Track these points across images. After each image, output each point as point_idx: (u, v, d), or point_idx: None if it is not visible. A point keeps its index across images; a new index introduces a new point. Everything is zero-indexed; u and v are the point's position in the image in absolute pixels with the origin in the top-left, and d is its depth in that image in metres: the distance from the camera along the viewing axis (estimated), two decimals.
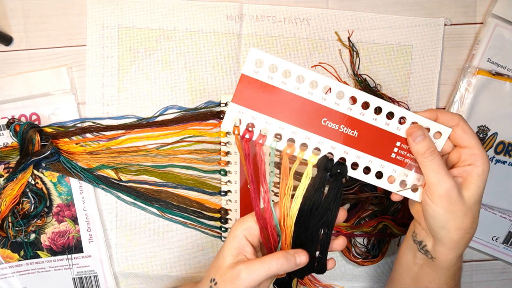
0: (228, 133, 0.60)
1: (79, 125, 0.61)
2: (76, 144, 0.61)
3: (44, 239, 0.62)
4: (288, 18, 0.61)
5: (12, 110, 0.61)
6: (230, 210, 0.61)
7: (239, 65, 0.61)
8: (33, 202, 0.61)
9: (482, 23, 0.62)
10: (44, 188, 0.61)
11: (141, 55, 0.61)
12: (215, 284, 0.43)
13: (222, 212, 0.61)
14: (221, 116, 0.60)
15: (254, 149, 0.43)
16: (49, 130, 0.60)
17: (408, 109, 0.62)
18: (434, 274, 0.46)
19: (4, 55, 0.61)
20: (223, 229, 0.62)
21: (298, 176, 0.43)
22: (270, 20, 0.61)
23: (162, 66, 0.61)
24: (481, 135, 0.61)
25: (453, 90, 0.63)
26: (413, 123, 0.45)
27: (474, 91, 0.60)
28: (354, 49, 0.61)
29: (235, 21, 0.61)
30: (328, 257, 0.45)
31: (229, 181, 0.61)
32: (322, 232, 0.43)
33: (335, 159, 0.44)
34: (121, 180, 0.62)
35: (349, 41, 0.61)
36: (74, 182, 0.61)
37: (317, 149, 0.44)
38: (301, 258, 0.42)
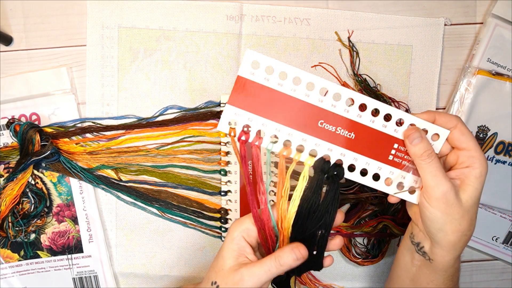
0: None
1: (79, 125, 0.61)
2: (76, 144, 0.61)
3: (44, 239, 0.62)
4: (288, 18, 0.61)
5: (12, 110, 0.61)
6: (230, 210, 0.61)
7: (239, 65, 0.61)
8: (33, 202, 0.61)
9: (482, 23, 0.62)
10: (44, 188, 0.61)
11: (141, 55, 0.61)
12: (217, 287, 0.43)
13: (222, 212, 0.61)
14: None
15: (251, 151, 0.43)
16: (49, 130, 0.60)
17: (408, 109, 0.62)
18: (432, 275, 0.46)
19: (4, 55, 0.61)
20: (223, 229, 0.62)
21: (296, 175, 0.43)
22: (270, 20, 0.61)
23: (162, 66, 0.61)
24: (481, 135, 0.61)
25: (453, 90, 0.63)
26: (411, 125, 0.45)
27: (474, 91, 0.60)
28: (354, 49, 0.61)
29: (235, 21, 0.61)
30: (325, 255, 0.45)
31: (229, 181, 0.61)
32: (319, 234, 0.43)
33: (332, 161, 0.44)
34: (121, 180, 0.62)
35: (349, 41, 0.61)
36: (74, 182, 0.61)
37: (314, 151, 0.43)
38: (301, 251, 0.42)
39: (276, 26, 0.61)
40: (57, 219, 0.62)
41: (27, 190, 0.60)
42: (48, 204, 0.61)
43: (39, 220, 0.61)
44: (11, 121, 0.60)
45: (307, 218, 0.43)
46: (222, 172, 0.61)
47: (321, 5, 0.61)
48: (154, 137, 0.61)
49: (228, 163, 0.60)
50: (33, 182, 0.61)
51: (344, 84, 0.61)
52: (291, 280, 0.47)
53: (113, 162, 0.61)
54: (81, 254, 0.62)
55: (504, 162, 0.61)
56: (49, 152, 0.58)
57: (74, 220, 0.62)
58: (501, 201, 0.62)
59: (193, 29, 0.61)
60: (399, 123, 0.45)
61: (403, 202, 0.46)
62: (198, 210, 0.62)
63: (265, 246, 0.44)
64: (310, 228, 0.43)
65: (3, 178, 0.60)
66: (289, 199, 0.43)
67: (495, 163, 0.61)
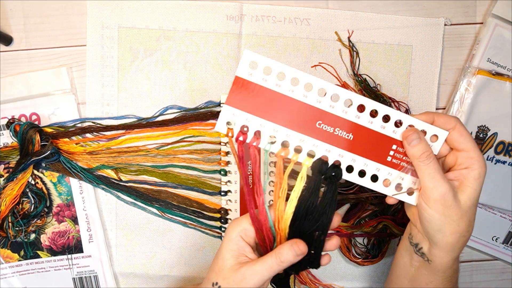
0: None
1: (79, 125, 0.61)
2: (76, 144, 0.61)
3: (44, 239, 0.62)
4: (288, 18, 0.61)
5: (12, 110, 0.61)
6: (230, 210, 0.61)
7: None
8: (33, 202, 0.61)
9: (482, 23, 0.62)
10: (44, 188, 0.61)
11: (141, 55, 0.61)
12: (218, 287, 0.43)
13: (222, 212, 0.61)
14: None
15: (250, 151, 0.43)
16: (49, 130, 0.60)
17: (408, 109, 0.62)
18: (431, 276, 0.46)
19: (4, 55, 0.61)
20: (223, 229, 0.62)
21: (295, 175, 0.43)
22: (270, 20, 0.61)
23: (162, 66, 0.61)
24: (481, 135, 0.61)
25: (453, 90, 0.63)
26: (409, 126, 0.44)
27: (474, 91, 0.60)
28: (354, 49, 0.61)
29: (235, 21, 0.61)
30: (323, 253, 0.45)
31: (229, 181, 0.61)
32: (316, 235, 0.43)
33: (330, 162, 0.44)
34: (121, 180, 0.62)
35: (349, 41, 0.61)
36: (74, 182, 0.61)
37: (312, 152, 0.43)
38: (300, 247, 0.42)
39: (276, 26, 0.61)
40: (57, 219, 0.62)
41: (27, 190, 0.60)
42: (48, 204, 0.61)
43: (39, 220, 0.61)
44: (11, 121, 0.60)
45: (304, 219, 0.43)
46: (222, 172, 0.61)
47: (321, 5, 0.61)
48: (154, 137, 0.61)
49: (228, 163, 0.60)
50: (33, 182, 0.61)
51: (344, 84, 0.61)
52: (290, 279, 0.47)
53: (113, 162, 0.61)
54: (81, 254, 0.62)
55: (504, 162, 0.61)
56: (49, 152, 0.58)
57: (74, 220, 0.62)
58: (501, 201, 0.62)
59: (193, 29, 0.61)
60: (398, 124, 0.44)
61: (402, 202, 0.46)
62: (198, 210, 0.62)
63: (263, 246, 0.44)
64: (307, 229, 0.43)
65: (3, 178, 0.60)
66: (287, 200, 0.43)
67: (495, 163, 0.61)
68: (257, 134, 0.43)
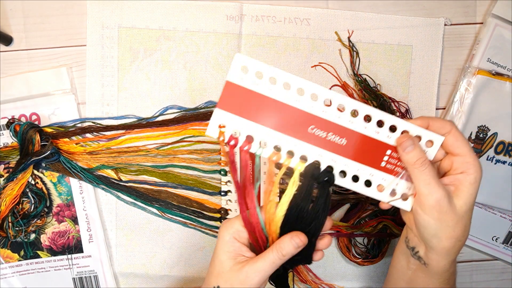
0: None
1: (79, 125, 0.61)
2: (76, 144, 0.61)
3: (44, 239, 0.62)
4: (288, 18, 0.61)
5: (12, 110, 0.61)
6: (230, 210, 0.61)
7: None
8: (33, 202, 0.61)
9: (482, 23, 0.62)
10: (44, 188, 0.61)
11: (141, 55, 0.61)
12: None
13: (222, 212, 0.61)
14: None
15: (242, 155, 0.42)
16: (49, 130, 0.60)
17: (408, 109, 0.62)
18: (428, 279, 0.46)
19: (4, 55, 0.61)
20: None
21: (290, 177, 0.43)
22: (270, 20, 0.61)
23: (162, 66, 0.61)
24: (481, 135, 0.61)
25: (453, 90, 0.63)
26: (404, 131, 0.44)
27: (474, 91, 0.60)
28: (354, 49, 0.61)
29: (235, 21, 0.61)
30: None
31: (229, 181, 0.61)
32: (308, 235, 0.43)
33: (323, 167, 0.43)
34: (121, 180, 0.62)
35: (349, 41, 0.61)
36: (74, 182, 0.61)
37: (304, 156, 0.43)
38: (300, 238, 0.42)
39: (276, 26, 0.61)
40: (57, 219, 0.62)
41: (27, 190, 0.60)
42: (48, 204, 0.61)
43: (39, 220, 0.61)
44: (11, 121, 0.60)
45: (295, 223, 0.42)
46: (222, 172, 0.61)
47: (321, 5, 0.61)
48: (154, 137, 0.61)
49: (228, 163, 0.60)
50: (33, 182, 0.61)
51: (344, 84, 0.62)
52: (289, 277, 0.47)
53: (113, 162, 0.61)
54: (81, 254, 0.62)
55: (504, 162, 0.61)
56: (49, 152, 0.58)
57: (74, 220, 0.62)
58: (501, 201, 0.62)
59: (193, 29, 0.61)
60: (393, 129, 0.44)
61: None
62: (198, 210, 0.62)
63: (257, 246, 0.44)
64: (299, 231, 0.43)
65: (3, 178, 0.60)
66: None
67: (495, 163, 0.61)
68: (249, 138, 0.42)
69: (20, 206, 0.60)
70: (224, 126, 0.42)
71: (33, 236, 0.62)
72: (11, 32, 0.61)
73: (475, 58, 0.61)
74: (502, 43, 0.60)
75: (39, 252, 0.62)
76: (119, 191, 0.61)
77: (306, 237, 0.42)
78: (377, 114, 0.43)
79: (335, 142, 0.43)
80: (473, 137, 0.61)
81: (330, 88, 0.62)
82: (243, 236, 0.43)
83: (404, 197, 0.45)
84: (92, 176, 0.60)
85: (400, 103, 0.62)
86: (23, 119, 0.61)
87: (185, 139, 0.61)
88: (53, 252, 0.62)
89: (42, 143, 0.58)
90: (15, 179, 0.58)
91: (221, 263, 0.43)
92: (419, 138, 0.44)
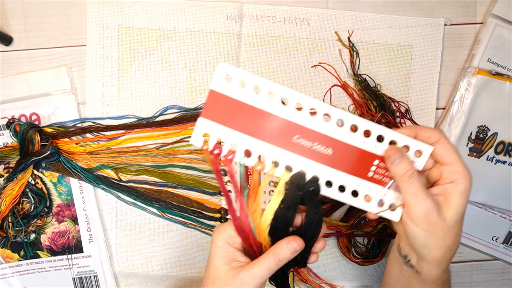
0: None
1: (79, 125, 0.61)
2: (76, 144, 0.61)
3: (44, 239, 0.62)
4: (288, 18, 0.61)
5: (12, 110, 0.61)
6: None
7: (239, 65, 0.61)
8: (33, 202, 0.61)
9: (482, 23, 0.62)
10: (44, 188, 0.61)
11: (141, 55, 0.61)
12: None
13: (222, 212, 0.61)
14: None
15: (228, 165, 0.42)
16: (49, 130, 0.60)
17: (408, 109, 0.62)
18: (422, 286, 0.46)
19: (4, 55, 0.61)
20: None
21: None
22: (270, 20, 0.61)
23: (162, 66, 0.61)
24: (481, 135, 0.61)
25: (453, 90, 0.63)
26: (391, 142, 0.43)
27: (474, 91, 0.60)
28: (354, 49, 0.61)
29: (235, 21, 0.61)
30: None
31: (229, 181, 0.61)
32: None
33: (308, 177, 0.43)
34: (121, 180, 0.62)
35: (349, 41, 0.61)
36: (74, 182, 0.61)
37: (290, 166, 0.42)
38: (298, 243, 0.42)
39: (276, 26, 0.61)
40: (57, 219, 0.62)
41: (27, 190, 0.60)
42: (48, 204, 0.61)
43: (39, 220, 0.61)
44: (11, 121, 0.60)
45: (283, 232, 0.42)
46: (222, 172, 0.61)
47: (321, 5, 0.61)
48: (154, 137, 0.61)
49: None
50: (33, 182, 0.61)
51: (344, 84, 0.62)
52: (289, 277, 0.47)
53: (113, 162, 0.61)
54: (81, 254, 0.62)
55: (504, 162, 0.61)
56: (49, 152, 0.58)
57: (74, 220, 0.62)
58: (501, 201, 0.62)
59: (193, 29, 0.61)
60: (380, 139, 0.43)
61: None
62: (198, 210, 0.62)
63: (252, 251, 0.44)
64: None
65: (3, 178, 0.60)
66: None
67: (495, 163, 0.61)
68: (233, 147, 0.42)
69: (20, 206, 0.60)
70: (208, 135, 0.41)
71: (33, 236, 0.62)
72: (11, 32, 0.61)
73: (475, 58, 0.61)
74: (502, 43, 0.60)
75: (39, 252, 0.62)
76: (119, 191, 0.61)
77: (303, 242, 0.42)
78: (363, 124, 0.42)
79: (320, 152, 0.42)
80: (473, 137, 0.61)
81: (330, 89, 0.62)
82: (236, 241, 0.43)
83: (392, 208, 0.44)
84: (92, 176, 0.60)
85: (400, 103, 0.62)
86: (23, 119, 0.61)
87: (185, 139, 0.61)
88: (53, 252, 0.62)
89: (42, 143, 0.58)
90: (15, 179, 0.58)
91: (216, 268, 0.43)
92: (407, 148, 0.43)
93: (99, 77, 0.61)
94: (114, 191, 0.61)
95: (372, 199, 0.44)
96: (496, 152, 0.61)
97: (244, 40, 0.61)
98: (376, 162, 0.43)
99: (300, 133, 0.42)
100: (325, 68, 0.61)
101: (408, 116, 0.62)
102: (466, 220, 0.63)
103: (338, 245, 0.63)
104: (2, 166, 0.61)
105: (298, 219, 0.43)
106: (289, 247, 0.41)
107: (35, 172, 0.61)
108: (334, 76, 0.62)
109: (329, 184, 0.43)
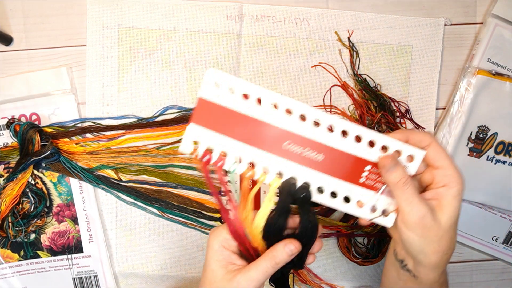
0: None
1: (79, 125, 0.61)
2: (76, 144, 0.61)
3: (44, 239, 0.62)
4: (288, 18, 0.61)
5: (12, 110, 0.61)
6: (230, 210, 0.61)
7: (239, 65, 0.61)
8: (33, 202, 0.61)
9: (482, 23, 0.62)
10: (44, 188, 0.61)
11: (141, 55, 0.61)
12: None
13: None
14: None
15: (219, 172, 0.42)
16: (49, 130, 0.60)
17: (408, 109, 0.62)
18: None
19: (4, 55, 0.61)
20: None
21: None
22: (270, 20, 0.61)
23: (162, 66, 0.61)
24: (481, 135, 0.61)
25: (453, 90, 0.63)
26: (383, 147, 0.43)
27: (474, 91, 0.60)
28: (354, 49, 0.61)
29: (235, 21, 0.61)
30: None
31: (229, 181, 0.61)
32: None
33: (299, 183, 0.42)
34: (121, 180, 0.62)
35: (349, 41, 0.61)
36: (74, 182, 0.61)
37: (281, 172, 0.42)
38: (294, 245, 0.42)
39: (276, 26, 0.61)
40: (57, 219, 0.62)
41: (27, 190, 0.60)
42: (48, 204, 0.61)
43: (39, 220, 0.61)
44: (11, 121, 0.60)
45: (278, 237, 0.42)
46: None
47: (321, 5, 0.61)
48: (154, 137, 0.61)
49: None
50: (33, 182, 0.61)
51: (344, 84, 0.62)
52: (289, 278, 0.47)
53: (113, 162, 0.61)
54: (81, 254, 0.62)
55: (504, 162, 0.61)
56: (49, 152, 0.58)
57: (74, 220, 0.62)
58: (501, 201, 0.62)
59: (193, 29, 0.61)
60: (371, 144, 0.43)
61: None
62: (198, 210, 0.62)
63: (248, 255, 0.44)
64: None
65: (3, 178, 0.60)
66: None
67: (495, 163, 0.61)
68: (223, 154, 0.41)
69: (20, 206, 0.60)
70: (198, 142, 0.41)
71: (33, 236, 0.62)
72: (11, 32, 0.61)
73: (475, 58, 0.61)
74: (502, 43, 0.60)
75: (39, 252, 0.62)
76: (119, 191, 0.61)
77: (300, 244, 0.42)
78: (354, 129, 0.42)
79: (311, 157, 0.42)
80: (473, 137, 0.61)
81: (330, 89, 0.62)
82: (232, 244, 0.43)
83: (385, 213, 0.44)
84: (92, 176, 0.60)
85: (400, 103, 0.62)
86: (23, 119, 0.61)
87: None
88: (53, 252, 0.62)
89: (42, 143, 0.58)
90: (15, 179, 0.58)
91: (212, 272, 0.43)
92: (398, 153, 0.43)
93: (99, 77, 0.61)
94: (114, 191, 0.61)
95: (364, 205, 0.44)
96: (496, 152, 0.61)
97: (244, 40, 0.61)
98: (368, 167, 0.43)
99: (291, 139, 0.42)
100: (325, 68, 0.61)
101: (408, 116, 0.62)
102: (466, 220, 0.63)
103: (338, 245, 0.63)
104: (2, 166, 0.61)
105: (294, 222, 0.43)
106: (286, 249, 0.41)
107: (35, 172, 0.61)
108: (334, 76, 0.62)
109: (320, 190, 0.43)
